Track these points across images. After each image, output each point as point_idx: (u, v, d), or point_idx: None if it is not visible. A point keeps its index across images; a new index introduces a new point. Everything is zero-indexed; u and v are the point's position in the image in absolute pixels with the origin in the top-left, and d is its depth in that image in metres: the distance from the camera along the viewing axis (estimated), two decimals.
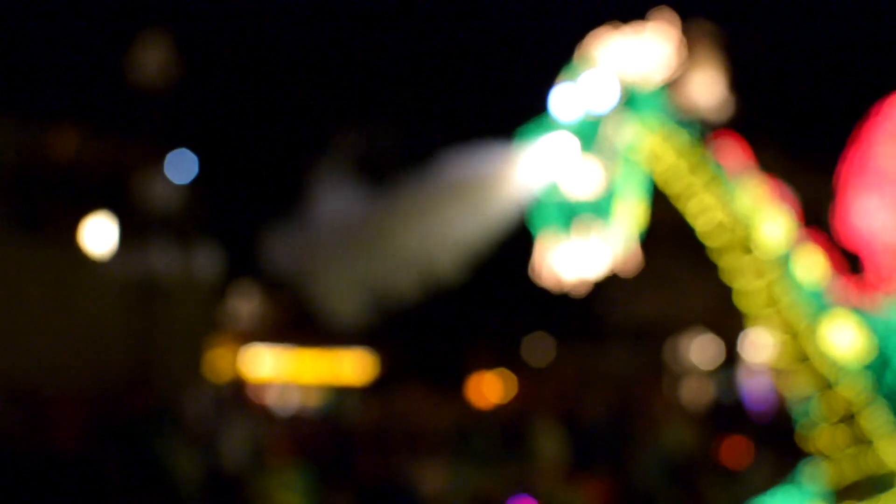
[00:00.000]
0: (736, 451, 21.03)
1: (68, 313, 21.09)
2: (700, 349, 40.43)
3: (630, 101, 9.31)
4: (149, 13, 42.21)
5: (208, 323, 24.40)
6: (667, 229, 11.47)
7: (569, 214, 9.13)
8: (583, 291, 9.74)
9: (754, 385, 31.12)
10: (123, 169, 22.79)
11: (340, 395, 39.13)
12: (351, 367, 40.01)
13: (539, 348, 56.10)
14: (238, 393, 23.07)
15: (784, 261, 10.00)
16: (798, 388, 10.08)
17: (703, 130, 9.74)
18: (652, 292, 38.70)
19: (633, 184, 9.28)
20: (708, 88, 9.81)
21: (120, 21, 42.68)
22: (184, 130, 45.24)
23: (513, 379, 40.62)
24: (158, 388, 15.41)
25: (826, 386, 10.01)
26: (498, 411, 21.28)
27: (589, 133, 9.16)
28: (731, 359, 37.63)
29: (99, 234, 22.48)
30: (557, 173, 9.09)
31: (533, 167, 9.19)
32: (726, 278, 10.13)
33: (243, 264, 38.87)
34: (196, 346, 23.71)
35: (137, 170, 21.38)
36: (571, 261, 9.25)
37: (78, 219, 22.19)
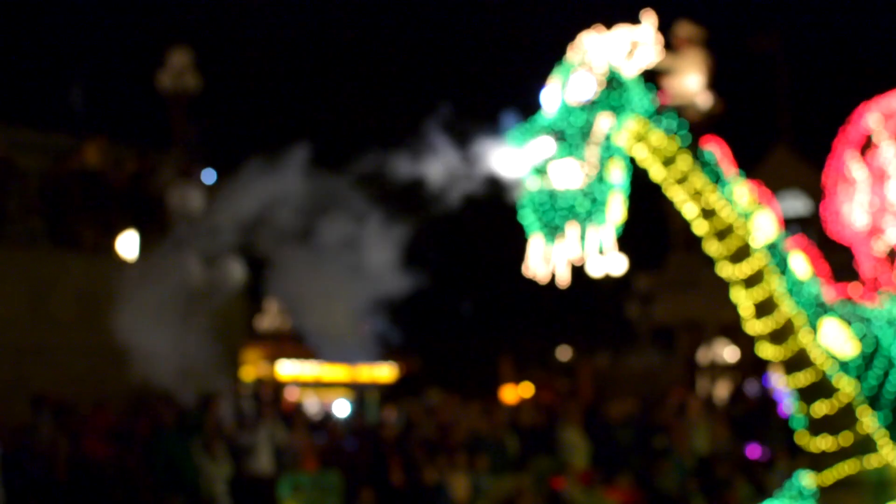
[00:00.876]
0: (765, 449, 21.03)
1: (99, 324, 21.24)
2: (731, 349, 40.28)
3: (615, 93, 9.36)
4: (175, 29, 42.72)
5: (239, 333, 24.52)
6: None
7: (558, 208, 9.11)
8: (568, 283, 9.68)
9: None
10: (154, 180, 22.96)
11: (370, 401, 39.26)
12: (380, 375, 40.03)
13: (568, 353, 56.20)
14: (268, 400, 23.16)
15: (773, 253, 10.21)
16: (792, 386, 10.39)
17: (688, 124, 9.98)
18: (683, 293, 38.50)
19: (618, 175, 9.28)
20: (692, 84, 9.94)
21: (148, 37, 43.17)
22: (213, 143, 45.73)
23: (541, 384, 40.59)
24: (189, 397, 15.52)
25: (819, 384, 10.29)
26: (525, 417, 21.20)
27: (576, 126, 9.17)
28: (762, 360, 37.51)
29: (130, 245, 22.68)
30: (546, 167, 9.12)
31: (522, 163, 9.26)
32: (720, 270, 10.38)
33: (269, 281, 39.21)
34: (227, 355, 23.86)
35: (168, 181, 21.52)
36: (562, 254, 9.26)
37: (109, 230, 22.38)
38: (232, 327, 24.13)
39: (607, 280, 42.58)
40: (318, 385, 38.03)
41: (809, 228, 40.60)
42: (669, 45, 10.04)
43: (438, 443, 19.23)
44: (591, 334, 52.27)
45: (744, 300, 10.36)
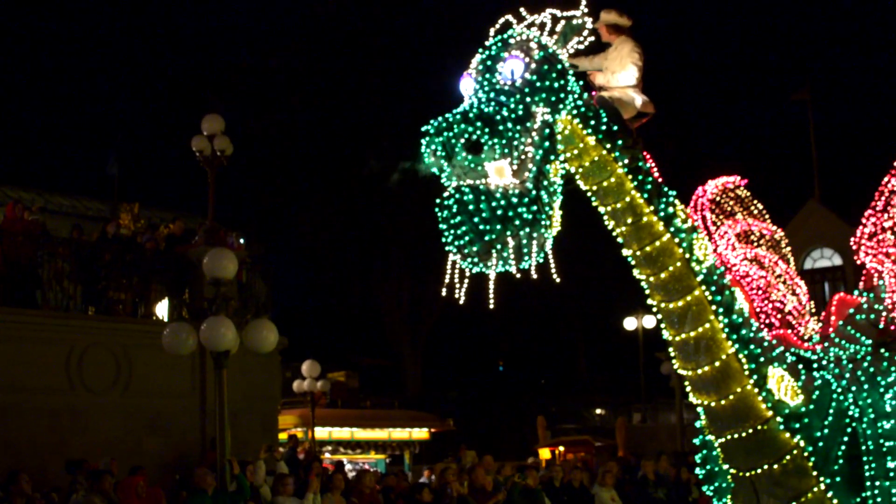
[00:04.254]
0: None
1: (134, 388, 21.34)
2: None
3: (548, 79, 8.58)
4: (209, 97, 43.22)
5: (272, 395, 24.54)
6: None
7: (489, 211, 8.06)
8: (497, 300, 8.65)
9: None
10: (187, 245, 23.12)
11: (402, 457, 39.21)
12: (415, 435, 39.95)
13: (603, 410, 55.96)
14: (303, 459, 23.13)
15: (711, 285, 9.25)
16: (726, 440, 9.43)
17: (624, 130, 9.18)
18: None
19: (550, 179, 8.39)
20: (624, 79, 9.15)
21: (181, 104, 43.69)
22: (245, 210, 46.08)
23: (576, 442, 40.37)
24: (225, 459, 15.51)
25: (759, 440, 9.32)
26: (560, 476, 21.07)
27: (507, 112, 8.29)
28: None
29: (164, 310, 22.81)
30: (473, 161, 8.16)
31: (443, 159, 8.22)
32: (650, 295, 9.37)
33: (306, 341, 39.52)
34: (263, 417, 23.89)
35: (201, 246, 21.64)
36: (492, 261, 8.20)
37: (143, 295, 22.53)
38: (268, 390, 24.18)
39: (641, 334, 42.60)
40: (353, 444, 37.96)
41: (839, 281, 40.87)
42: (599, 39, 9.31)
43: (472, 498, 19.09)
44: (625, 391, 52.07)
45: (675, 338, 9.34)
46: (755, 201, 11.69)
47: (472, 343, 59.81)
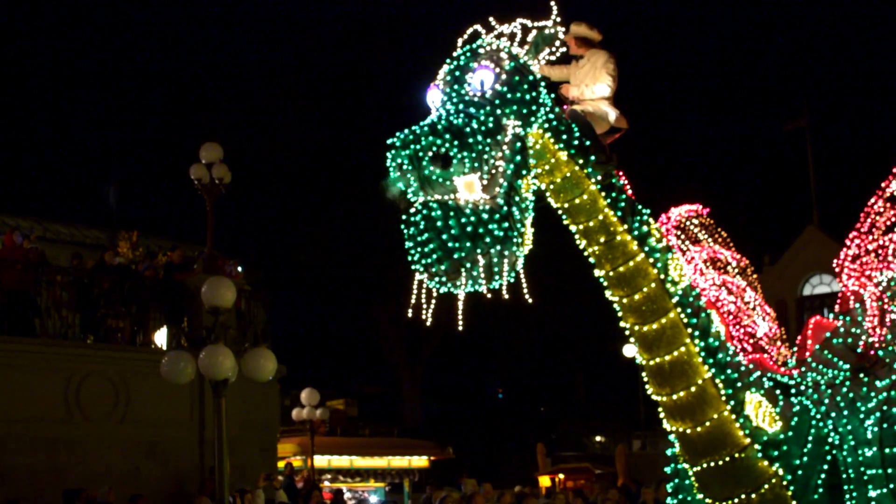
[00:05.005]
0: None
1: (132, 416, 21.27)
2: None
3: (519, 91, 8.25)
4: (206, 125, 43.26)
5: (271, 423, 24.48)
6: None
7: (457, 226, 7.70)
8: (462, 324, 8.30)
9: None
10: (186, 273, 23.09)
11: (402, 485, 39.07)
12: (414, 463, 39.81)
13: (603, 437, 55.86)
14: (302, 488, 23.08)
15: (687, 308, 8.92)
16: (699, 469, 9.10)
17: (597, 146, 8.83)
18: None
19: (522, 194, 8.08)
20: (598, 91, 8.75)
21: (179, 132, 43.71)
22: (244, 237, 46.06)
23: (575, 470, 40.28)
24: (224, 487, 15.45)
25: (735, 470, 8.98)
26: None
27: (477, 124, 7.95)
28: None
29: (163, 338, 22.76)
30: (442, 175, 7.80)
31: (410, 174, 7.86)
32: (623, 317, 9.00)
33: (305, 369, 39.45)
34: (262, 446, 23.81)
35: (200, 274, 21.61)
36: (461, 280, 7.85)
37: (141, 323, 22.48)
38: (266, 418, 24.11)
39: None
40: (352, 473, 37.80)
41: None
42: (569, 52, 8.91)
43: None
44: (625, 418, 51.95)
45: (649, 362, 9.04)
46: (719, 229, 11.44)
47: (471, 371, 59.72)
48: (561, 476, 39.17)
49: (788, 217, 45.92)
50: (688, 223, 11.04)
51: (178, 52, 62.74)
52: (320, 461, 33.88)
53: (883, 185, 10.58)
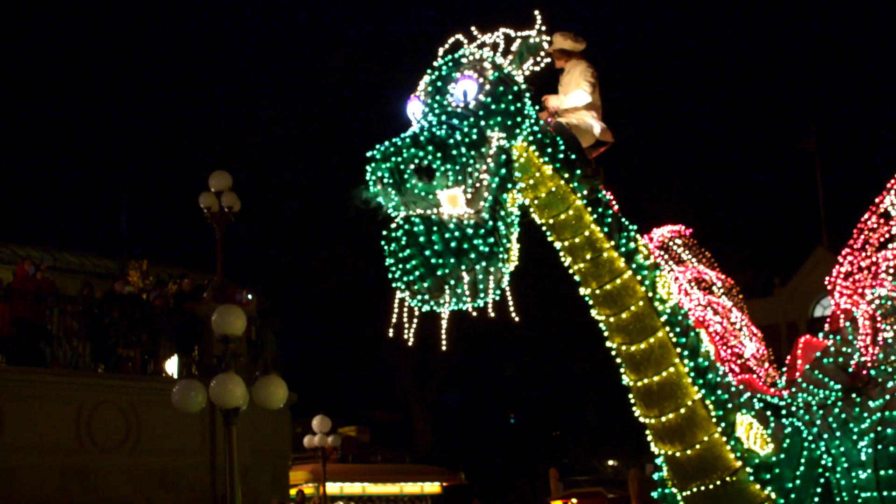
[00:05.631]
0: None
1: (143, 446, 21.24)
2: None
3: (503, 101, 7.97)
4: (215, 154, 43.34)
5: (283, 451, 24.45)
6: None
7: (440, 242, 7.38)
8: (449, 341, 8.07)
9: None
10: (196, 302, 23.11)
11: None
12: (426, 489, 39.75)
13: (616, 461, 55.60)
14: None
15: (675, 327, 8.63)
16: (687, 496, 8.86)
17: (583, 160, 8.56)
18: None
19: (507, 209, 7.79)
20: (578, 100, 8.40)
21: (188, 161, 43.82)
22: (254, 264, 46.08)
23: (588, 495, 40.10)
24: None
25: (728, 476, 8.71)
26: None
27: (460, 136, 7.64)
28: None
29: (173, 367, 22.76)
30: (425, 189, 7.48)
31: (390, 187, 7.53)
32: (609, 337, 8.72)
33: (316, 396, 39.42)
34: (272, 472, 23.76)
35: (210, 302, 21.61)
36: (444, 298, 7.56)
37: (152, 352, 22.49)
38: (278, 445, 24.08)
39: None
40: (364, 499, 37.76)
41: None
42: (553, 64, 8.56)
43: None
44: (638, 441, 51.66)
45: (636, 383, 8.78)
46: (703, 249, 11.28)
47: (482, 396, 59.62)
48: (574, 501, 38.95)
49: (798, 239, 45.85)
50: (671, 243, 10.90)
51: (188, 81, 63.00)
52: (332, 488, 33.85)
53: (877, 200, 10.40)
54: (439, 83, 8.00)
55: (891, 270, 10.26)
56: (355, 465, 39.33)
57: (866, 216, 10.40)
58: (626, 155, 40.08)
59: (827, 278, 10.56)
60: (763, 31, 65.00)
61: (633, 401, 8.92)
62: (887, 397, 9.58)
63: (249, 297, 25.32)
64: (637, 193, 38.96)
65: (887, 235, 10.36)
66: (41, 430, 19.98)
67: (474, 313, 7.76)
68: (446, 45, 8.38)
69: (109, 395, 21.09)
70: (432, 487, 39.67)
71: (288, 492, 25.64)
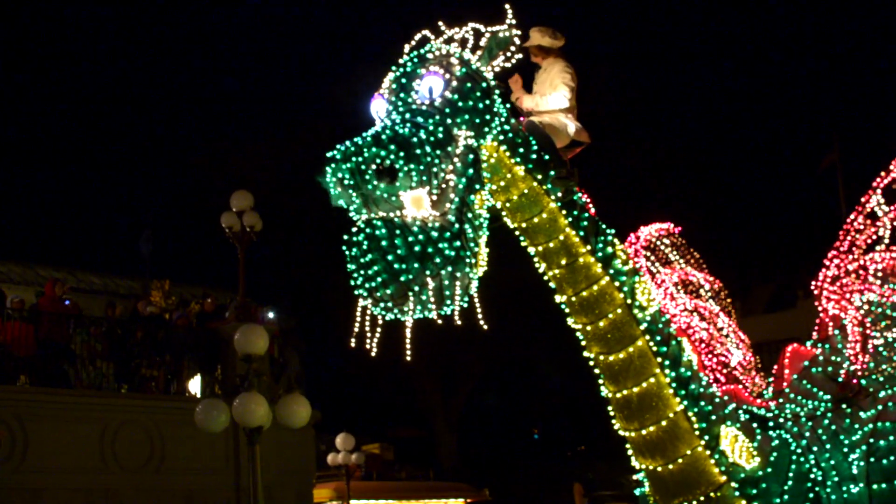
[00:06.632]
0: None
1: (167, 466, 21.24)
2: None
3: (471, 98, 7.64)
4: (236, 174, 43.42)
5: (307, 469, 24.40)
6: None
7: (404, 246, 7.05)
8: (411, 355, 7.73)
9: None
10: (219, 321, 23.14)
11: None
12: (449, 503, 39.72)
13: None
14: None
15: (656, 335, 8.31)
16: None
17: (557, 161, 8.21)
18: None
19: (475, 211, 7.44)
20: (555, 102, 8.05)
21: (210, 181, 43.91)
22: (276, 284, 46.09)
23: None
24: None
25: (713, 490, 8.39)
26: None
27: (425, 134, 7.33)
28: None
29: (197, 386, 22.79)
30: (387, 191, 7.15)
31: (351, 189, 7.21)
32: (587, 347, 8.37)
33: (339, 414, 39.37)
34: (296, 491, 23.71)
35: (233, 322, 21.63)
36: (408, 305, 7.23)
37: (175, 372, 22.52)
38: (302, 464, 24.03)
39: None
40: None
41: None
42: (529, 60, 8.23)
43: None
44: None
45: (615, 394, 8.47)
46: (691, 249, 10.90)
47: (506, 412, 59.41)
48: None
49: (821, 251, 45.55)
50: (658, 243, 10.54)
51: (209, 101, 63.21)
52: None
53: (862, 199, 10.15)
54: (404, 80, 7.70)
55: (879, 274, 9.94)
56: (379, 482, 39.25)
57: (852, 216, 10.16)
58: (648, 165, 40.12)
59: (812, 283, 10.35)
60: (783, 54, 64.89)
61: (612, 413, 8.62)
62: (879, 408, 9.28)
63: (272, 315, 25.32)
64: (661, 207, 38.85)
65: (874, 237, 10.07)
66: (65, 451, 20.02)
67: (440, 321, 7.45)
68: (412, 42, 8.05)
69: (133, 416, 21.13)
70: None
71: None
